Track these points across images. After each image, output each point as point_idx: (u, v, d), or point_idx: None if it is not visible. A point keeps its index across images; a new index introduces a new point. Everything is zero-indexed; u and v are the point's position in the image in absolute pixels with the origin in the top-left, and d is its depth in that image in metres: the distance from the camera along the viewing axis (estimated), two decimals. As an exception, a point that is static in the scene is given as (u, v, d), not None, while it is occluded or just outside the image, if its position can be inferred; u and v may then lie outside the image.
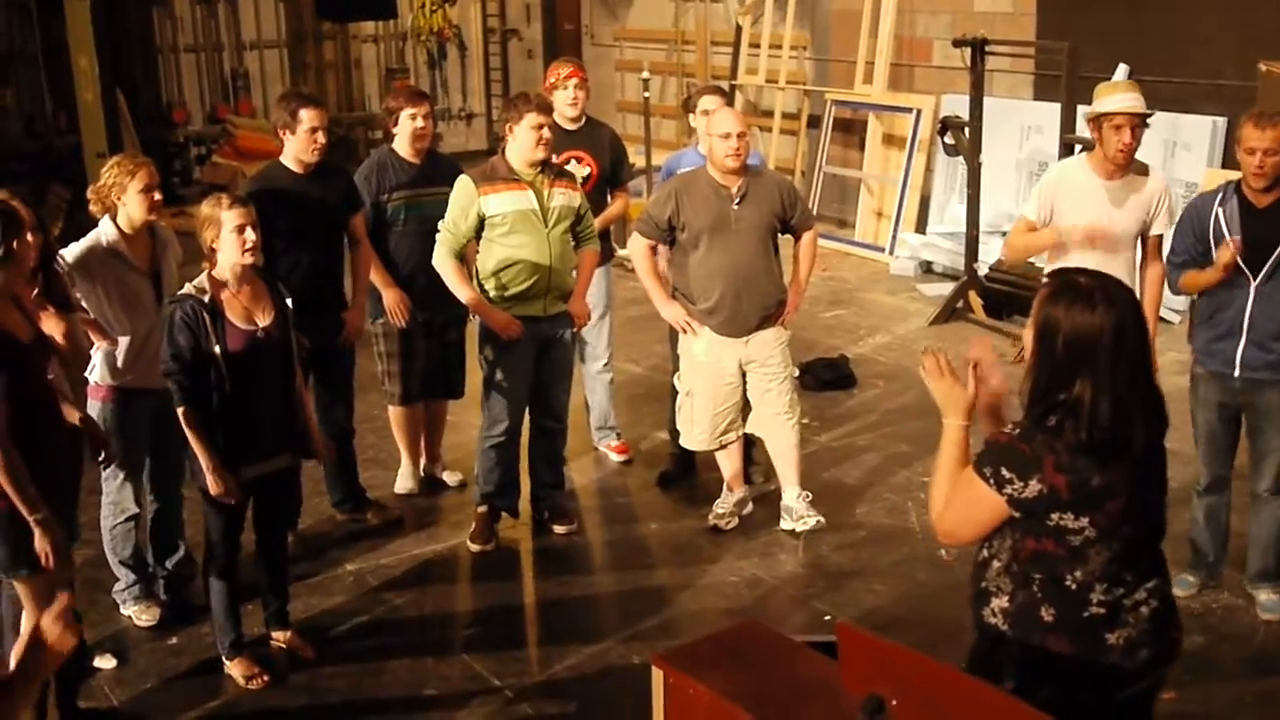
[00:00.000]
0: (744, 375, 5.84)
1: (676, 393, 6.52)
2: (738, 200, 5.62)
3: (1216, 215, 4.90)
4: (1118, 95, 4.92)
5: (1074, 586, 3.00)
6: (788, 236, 5.90)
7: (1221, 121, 8.84)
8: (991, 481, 2.98)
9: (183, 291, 4.57)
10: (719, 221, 5.61)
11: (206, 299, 4.51)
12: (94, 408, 4.99)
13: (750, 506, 6.15)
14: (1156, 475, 3.08)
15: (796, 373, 6.09)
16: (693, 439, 6.01)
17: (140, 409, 4.99)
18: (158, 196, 4.93)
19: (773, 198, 5.71)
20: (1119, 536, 2.98)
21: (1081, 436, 2.89)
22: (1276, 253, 4.80)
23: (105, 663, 4.97)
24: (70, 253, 4.84)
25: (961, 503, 3.09)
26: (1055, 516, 2.95)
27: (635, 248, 5.85)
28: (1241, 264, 4.84)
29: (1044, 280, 3.13)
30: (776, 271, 5.82)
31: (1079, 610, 3.01)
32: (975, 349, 3.29)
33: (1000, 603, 3.09)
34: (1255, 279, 4.82)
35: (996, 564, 3.10)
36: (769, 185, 5.79)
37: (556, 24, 16.50)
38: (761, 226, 5.67)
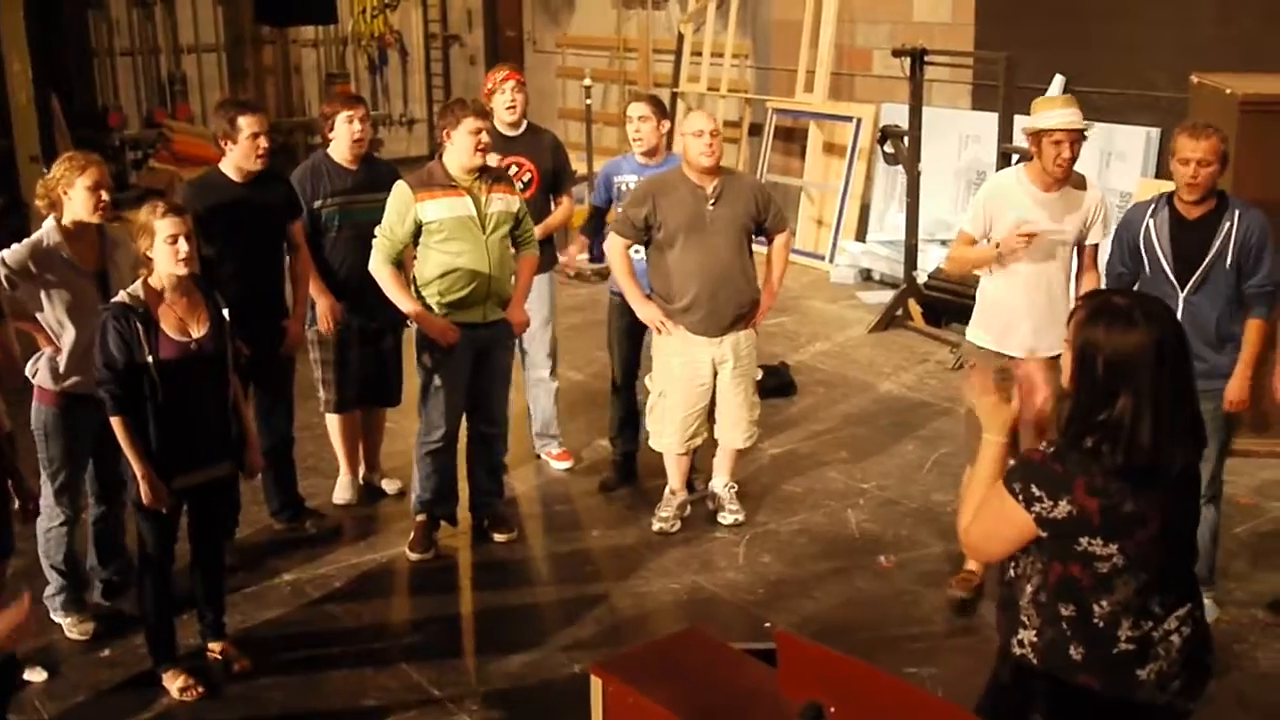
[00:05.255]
0: (715, 376, 5.87)
1: (617, 399, 6.56)
2: (713, 200, 5.67)
3: (1147, 226, 4.97)
4: (1056, 111, 4.95)
5: (1101, 623, 2.95)
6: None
7: (1155, 132, 8.97)
8: (1020, 498, 2.92)
9: (116, 299, 4.51)
10: (694, 221, 5.66)
11: (140, 308, 4.46)
12: (37, 411, 4.93)
13: (689, 510, 6.17)
14: (1190, 502, 3.04)
15: (759, 375, 6.14)
16: (663, 441, 6.02)
17: (84, 414, 4.90)
18: (105, 196, 4.83)
19: (747, 199, 5.77)
20: (1149, 566, 2.92)
21: (1118, 460, 2.84)
22: (1203, 265, 4.87)
23: (36, 675, 4.88)
24: (11, 255, 4.76)
25: (990, 516, 3.03)
26: (1084, 541, 2.90)
27: (612, 248, 5.88)
28: (1170, 275, 4.91)
29: (1079, 302, 3.12)
30: (752, 272, 5.87)
31: (1108, 647, 2.96)
32: (1024, 367, 3.28)
33: (1029, 636, 3.05)
34: (1183, 290, 4.89)
35: (1028, 589, 3.04)
36: (744, 186, 5.85)
37: (498, 30, 16.46)
38: (736, 226, 5.72)
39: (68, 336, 4.86)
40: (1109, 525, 2.87)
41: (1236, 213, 4.90)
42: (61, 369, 4.88)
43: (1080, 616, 2.97)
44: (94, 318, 4.84)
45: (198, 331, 4.58)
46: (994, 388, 3.22)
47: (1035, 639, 3.03)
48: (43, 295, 4.81)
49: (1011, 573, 3.10)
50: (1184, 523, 3.00)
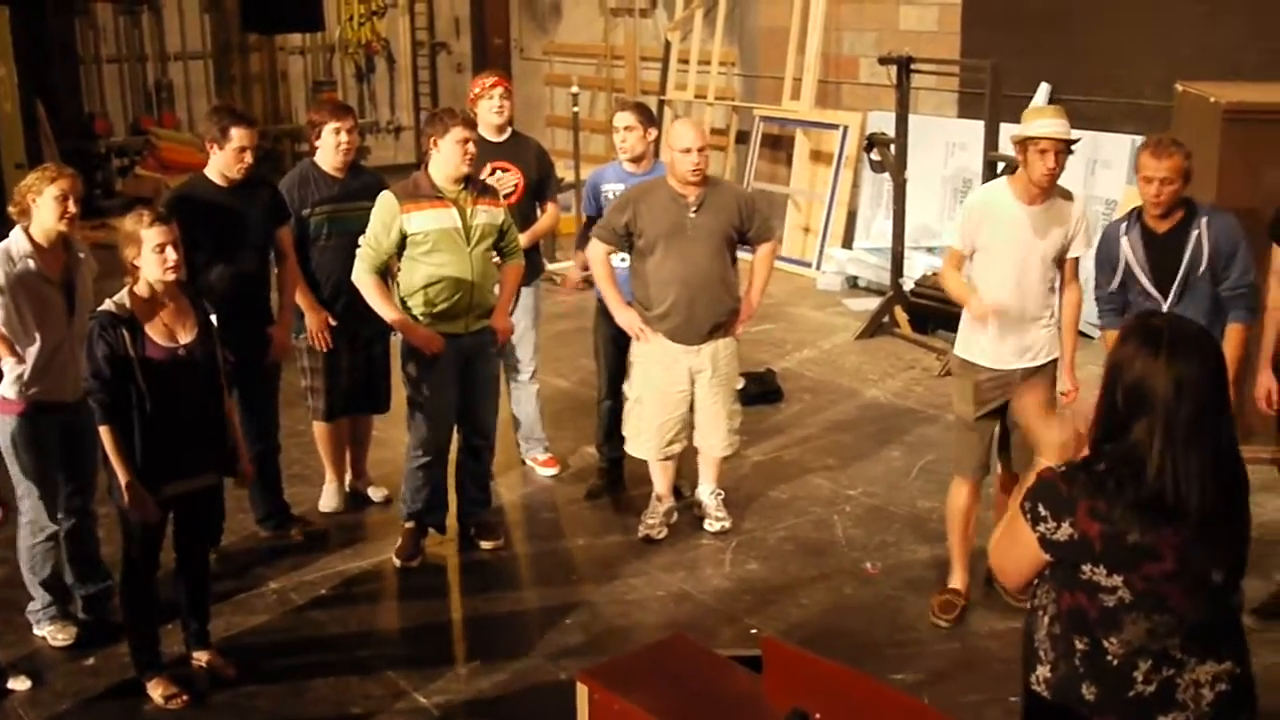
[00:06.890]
0: (693, 384, 5.87)
1: (604, 406, 6.56)
2: (695, 209, 5.67)
3: (1122, 244, 5.03)
4: (1044, 120, 4.94)
5: (1115, 661, 2.77)
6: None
7: (1141, 140, 9.00)
8: (1029, 517, 2.79)
9: (103, 307, 4.50)
10: (675, 228, 5.66)
11: (126, 315, 4.45)
12: (1, 424, 4.88)
13: (676, 516, 6.17)
14: (1224, 546, 2.77)
15: (741, 383, 6.14)
16: (639, 447, 6.03)
17: (48, 423, 4.89)
18: (72, 207, 4.82)
19: (730, 208, 5.77)
20: (1165, 608, 2.73)
21: (1126, 494, 2.69)
22: (1179, 275, 4.92)
23: (19, 684, 4.86)
24: None
25: (1007, 537, 2.91)
26: (1087, 569, 2.74)
27: (594, 253, 5.90)
28: (1152, 289, 4.96)
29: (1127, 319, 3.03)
30: (732, 280, 5.87)
31: (1123, 689, 2.79)
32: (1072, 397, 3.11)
33: (1044, 671, 2.90)
34: (1166, 301, 4.93)
35: (1045, 619, 2.89)
36: (727, 196, 5.85)
37: (486, 38, 16.47)
38: (717, 235, 5.72)
39: (33, 346, 4.84)
40: (1111, 554, 2.72)
41: (1204, 220, 4.96)
42: (26, 378, 4.85)
43: (1092, 652, 2.81)
44: (59, 328, 4.84)
45: (185, 338, 4.57)
46: (1047, 410, 3.09)
47: (1049, 674, 2.89)
48: (9, 303, 4.78)
49: (1033, 602, 2.96)
50: (1215, 568, 2.75)
